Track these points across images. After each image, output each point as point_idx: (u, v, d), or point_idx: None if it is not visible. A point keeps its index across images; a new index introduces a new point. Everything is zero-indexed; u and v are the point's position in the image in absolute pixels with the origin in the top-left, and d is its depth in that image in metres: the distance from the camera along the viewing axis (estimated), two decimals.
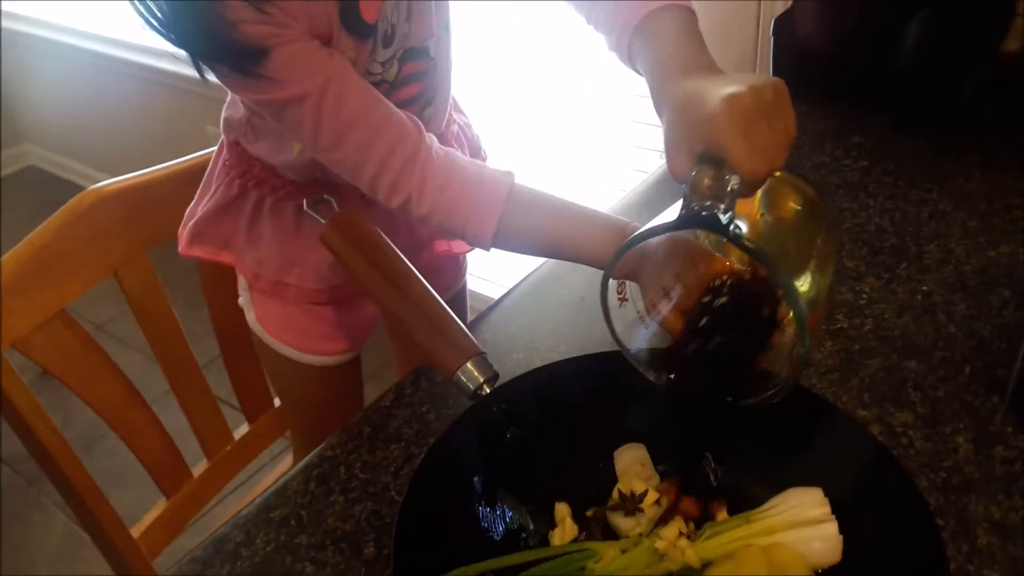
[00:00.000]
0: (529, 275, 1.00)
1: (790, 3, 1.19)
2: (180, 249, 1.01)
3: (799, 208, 0.66)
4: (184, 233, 1.00)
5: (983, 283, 0.89)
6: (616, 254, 0.62)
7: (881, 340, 0.84)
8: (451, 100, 1.00)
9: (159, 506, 1.21)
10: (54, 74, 3.02)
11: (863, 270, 0.92)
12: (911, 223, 0.98)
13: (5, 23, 3.04)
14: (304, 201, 0.85)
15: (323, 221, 0.80)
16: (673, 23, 0.73)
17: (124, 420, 1.11)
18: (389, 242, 0.79)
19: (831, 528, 0.62)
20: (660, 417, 0.69)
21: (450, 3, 0.89)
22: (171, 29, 0.69)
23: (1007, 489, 0.69)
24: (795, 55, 1.20)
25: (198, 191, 1.01)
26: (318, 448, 0.81)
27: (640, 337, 0.67)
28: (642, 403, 0.68)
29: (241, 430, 1.32)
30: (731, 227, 0.56)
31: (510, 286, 1.00)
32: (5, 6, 3.01)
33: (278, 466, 1.70)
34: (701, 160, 0.59)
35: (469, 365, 0.69)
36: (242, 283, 1.02)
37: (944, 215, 0.98)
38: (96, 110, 2.96)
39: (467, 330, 0.72)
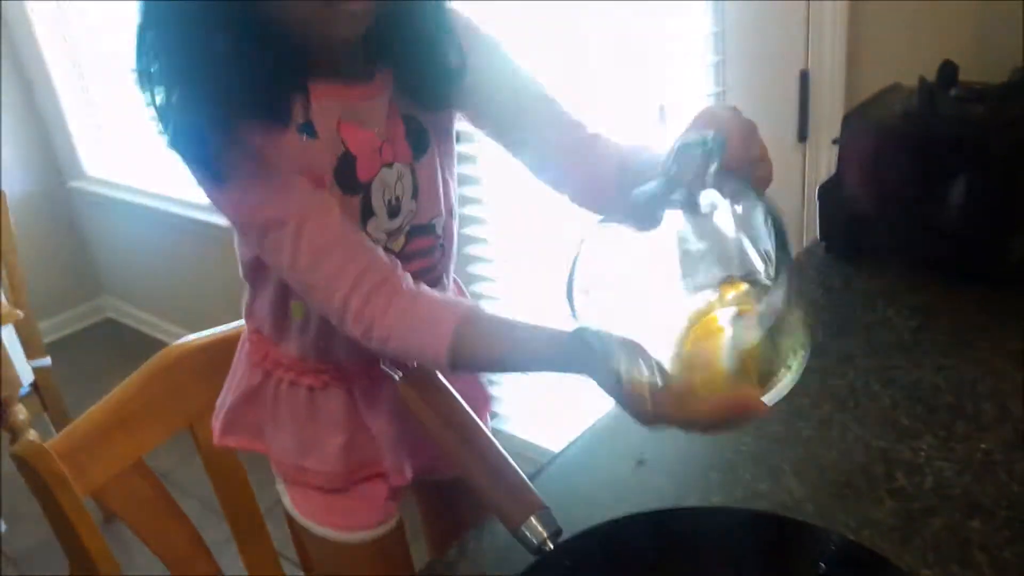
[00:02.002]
0: (584, 433, 1.02)
1: (834, 170, 1.24)
2: (215, 440, 1.03)
3: None
4: (217, 424, 1.03)
5: None
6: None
7: (942, 499, 0.83)
8: (453, 281, 1.03)
9: None
10: (132, 233, 3.20)
11: (920, 428, 0.93)
12: (966, 381, 0.99)
13: (86, 186, 3.27)
14: (380, 360, 0.89)
15: (397, 377, 0.84)
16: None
17: (189, 570, 1.12)
18: (459, 397, 0.82)
19: None
20: None
21: (454, 189, 0.93)
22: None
23: None
24: (842, 219, 1.24)
25: (227, 378, 1.04)
26: None
27: None
28: (710, 566, 0.68)
29: None
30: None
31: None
32: (89, 172, 3.25)
33: None
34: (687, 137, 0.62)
35: (533, 520, 0.71)
36: (275, 468, 1.04)
37: (998, 372, 0.99)
38: (171, 266, 3.11)
39: (531, 485, 0.74)
